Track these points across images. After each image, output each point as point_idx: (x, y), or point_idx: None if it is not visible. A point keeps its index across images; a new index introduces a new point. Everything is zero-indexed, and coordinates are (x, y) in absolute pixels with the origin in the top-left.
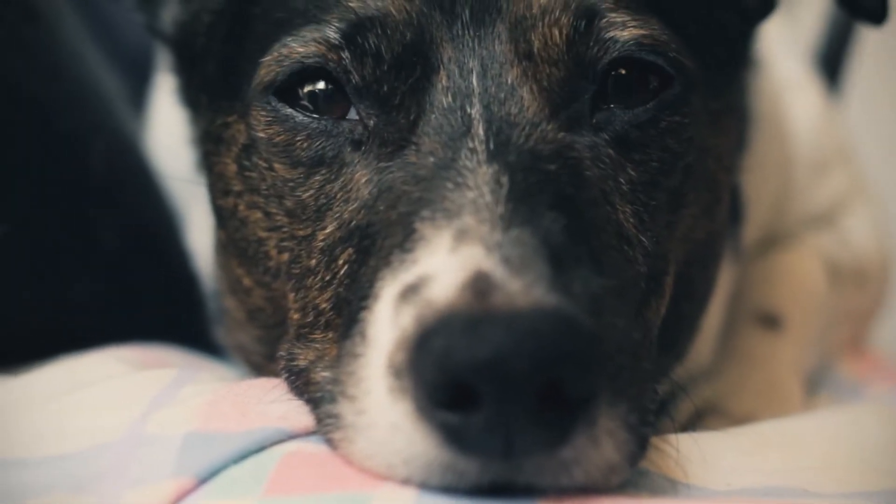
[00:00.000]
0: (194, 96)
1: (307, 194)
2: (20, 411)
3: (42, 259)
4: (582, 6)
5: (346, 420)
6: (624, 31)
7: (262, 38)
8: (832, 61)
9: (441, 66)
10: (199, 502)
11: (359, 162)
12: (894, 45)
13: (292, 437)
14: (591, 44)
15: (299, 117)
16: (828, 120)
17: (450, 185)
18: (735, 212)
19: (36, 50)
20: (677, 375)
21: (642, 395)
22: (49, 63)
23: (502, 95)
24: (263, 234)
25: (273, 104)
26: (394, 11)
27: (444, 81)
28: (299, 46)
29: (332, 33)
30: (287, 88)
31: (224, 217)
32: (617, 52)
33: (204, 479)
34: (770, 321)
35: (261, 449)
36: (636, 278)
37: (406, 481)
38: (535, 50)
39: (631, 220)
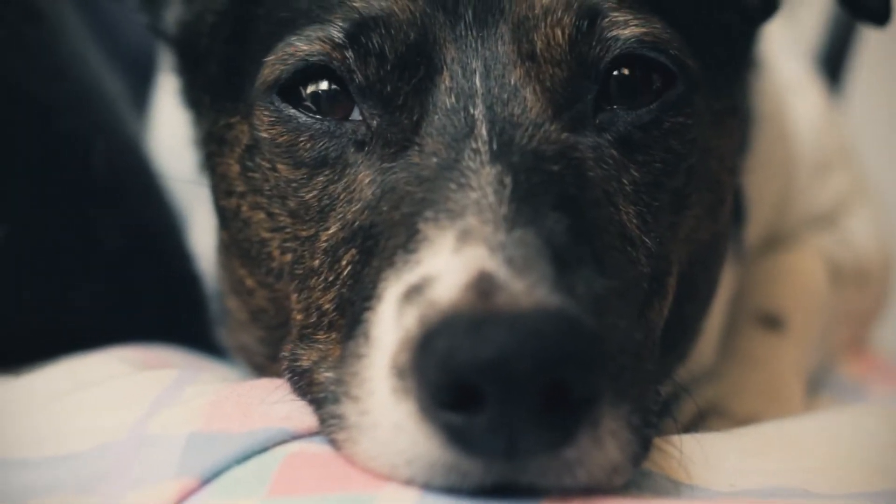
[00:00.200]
0: (197, 97)
1: (310, 195)
2: (22, 412)
3: (44, 259)
4: (584, 6)
5: (350, 421)
6: (626, 29)
7: (265, 39)
8: (834, 62)
9: (444, 67)
10: (202, 503)
11: (362, 162)
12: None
13: (295, 437)
14: (594, 43)
15: (302, 118)
16: (829, 121)
17: (453, 186)
18: (737, 212)
19: (38, 50)
20: (680, 376)
21: (645, 395)
22: (51, 63)
23: (505, 96)
24: (266, 235)
25: (276, 104)
26: (397, 11)
27: (447, 82)
28: (304, 45)
29: (335, 32)
30: (290, 89)
31: (227, 218)
32: (618, 50)
33: (207, 480)
34: (772, 322)
35: (264, 449)
36: (639, 279)
37: (409, 482)
38: (538, 50)
39: (634, 220)
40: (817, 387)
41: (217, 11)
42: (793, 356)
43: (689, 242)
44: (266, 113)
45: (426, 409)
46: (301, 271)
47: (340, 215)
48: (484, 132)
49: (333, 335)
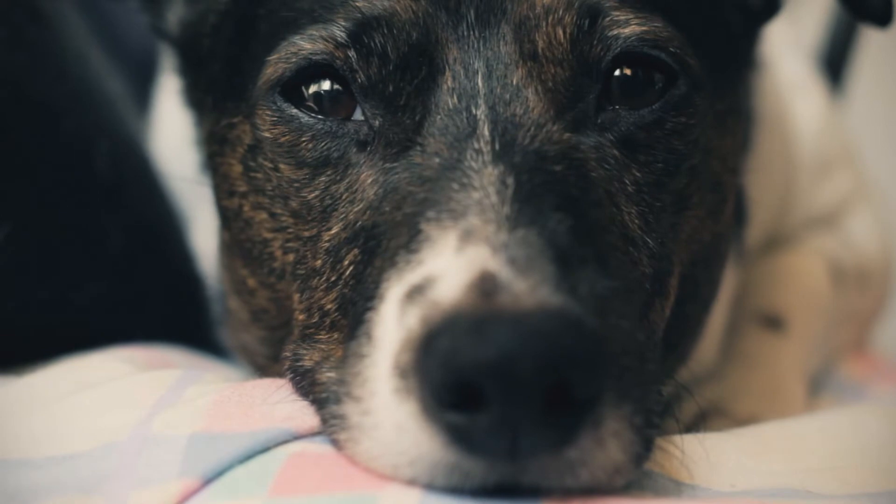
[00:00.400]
0: (199, 97)
1: (312, 195)
2: (25, 412)
3: (46, 259)
4: (585, 5)
5: (352, 420)
6: (626, 27)
7: (267, 38)
8: (835, 62)
9: (446, 67)
10: (205, 503)
11: (364, 162)
12: None
13: (297, 437)
14: (595, 42)
15: (304, 118)
16: (831, 121)
17: (455, 186)
18: (738, 213)
19: (40, 51)
20: (681, 376)
21: (647, 396)
22: (54, 64)
23: (507, 96)
24: (268, 235)
25: (278, 104)
26: (400, 11)
27: (449, 82)
28: (307, 44)
29: (338, 32)
30: (292, 89)
31: (229, 218)
32: (620, 48)
33: (209, 480)
34: (773, 322)
35: (266, 449)
36: (641, 279)
37: (411, 482)
38: (540, 50)
39: (636, 221)
40: (818, 387)
41: (219, 11)
42: (794, 357)
43: (691, 243)
44: (268, 113)
45: (428, 409)
46: (303, 271)
47: (342, 215)
48: (486, 132)
49: (335, 335)
